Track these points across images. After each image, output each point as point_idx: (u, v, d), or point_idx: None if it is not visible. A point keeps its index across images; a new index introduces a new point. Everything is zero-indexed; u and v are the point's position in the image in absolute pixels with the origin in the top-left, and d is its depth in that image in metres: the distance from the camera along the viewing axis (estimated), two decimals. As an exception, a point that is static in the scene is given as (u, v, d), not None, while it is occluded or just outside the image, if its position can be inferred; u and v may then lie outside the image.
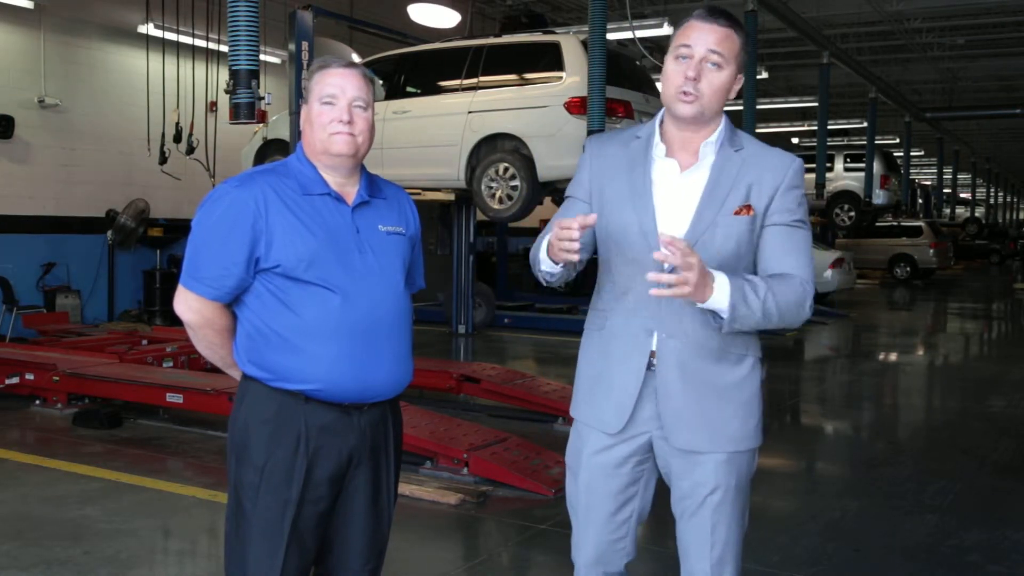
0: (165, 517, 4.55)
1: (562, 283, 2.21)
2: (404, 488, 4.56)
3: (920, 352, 11.88)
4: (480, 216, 10.58)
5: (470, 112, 8.35)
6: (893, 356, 11.42)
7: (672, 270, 1.91)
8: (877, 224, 21.99)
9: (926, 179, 33.92)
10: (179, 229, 11.12)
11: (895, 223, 22.72)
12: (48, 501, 4.70)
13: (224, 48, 7.68)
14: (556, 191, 8.36)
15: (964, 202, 40.88)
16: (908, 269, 22.71)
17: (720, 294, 1.94)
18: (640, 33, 11.89)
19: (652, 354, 2.10)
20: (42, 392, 6.85)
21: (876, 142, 18.79)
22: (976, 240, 33.95)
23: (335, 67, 2.21)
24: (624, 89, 8.22)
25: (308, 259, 2.13)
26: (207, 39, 10.48)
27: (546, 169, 7.93)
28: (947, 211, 32.09)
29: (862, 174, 17.89)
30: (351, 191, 2.25)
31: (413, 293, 2.37)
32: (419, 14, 12.38)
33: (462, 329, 11.69)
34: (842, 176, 18.19)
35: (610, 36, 8.34)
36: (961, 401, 8.27)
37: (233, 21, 5.63)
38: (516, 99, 8.30)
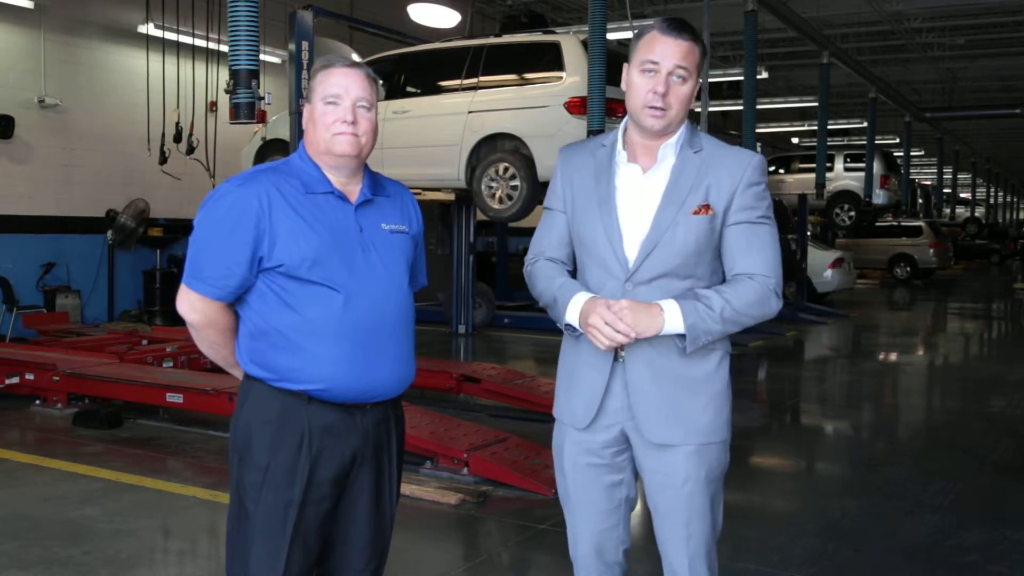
0: (165, 517, 4.55)
1: None
2: (404, 488, 4.56)
3: (920, 352, 11.88)
4: (480, 216, 10.57)
5: (470, 112, 8.34)
6: (893, 356, 11.42)
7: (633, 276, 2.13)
8: (877, 224, 22.00)
9: (926, 179, 33.90)
10: (179, 229, 11.13)
11: (895, 223, 22.73)
12: (48, 501, 4.70)
13: (224, 48, 7.68)
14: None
15: (964, 202, 40.85)
16: (908, 269, 22.71)
17: (673, 320, 2.05)
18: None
19: (620, 348, 2.16)
20: (42, 392, 6.85)
21: (876, 142, 18.79)
22: (976, 240, 33.95)
23: (339, 67, 2.20)
24: (624, 89, 8.20)
25: (311, 258, 2.12)
26: (207, 39, 10.48)
27: (546, 169, 7.93)
28: (947, 211, 32.07)
29: (862, 174, 17.88)
30: (354, 189, 2.25)
31: (416, 291, 2.37)
32: (419, 14, 12.38)
33: (462, 329, 11.69)
34: (842, 176, 18.19)
35: (610, 36, 8.34)
36: (961, 401, 8.27)
37: (233, 21, 5.63)
38: (516, 99, 8.29)
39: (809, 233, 16.77)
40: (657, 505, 2.24)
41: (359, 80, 2.19)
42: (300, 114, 7.01)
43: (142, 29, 10.99)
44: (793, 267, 14.98)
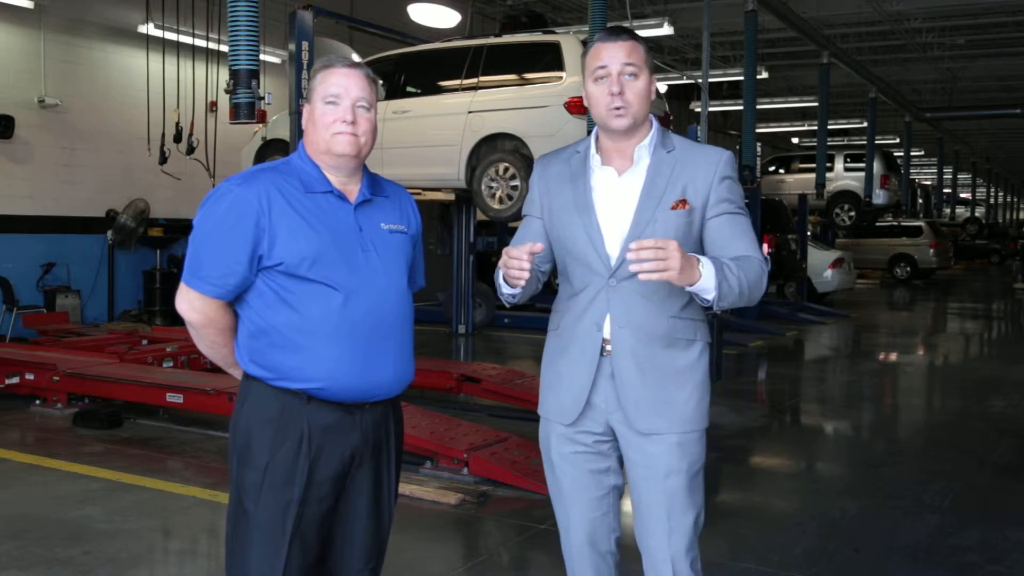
0: (165, 517, 4.56)
1: (528, 298, 2.35)
2: (404, 488, 4.56)
3: (920, 352, 11.88)
4: (480, 216, 10.57)
5: (470, 112, 8.34)
6: (893, 356, 11.42)
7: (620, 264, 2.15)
8: (877, 224, 22.00)
9: (926, 179, 33.92)
10: (179, 229, 11.13)
11: (895, 223, 22.72)
12: (48, 501, 4.70)
13: (224, 48, 7.68)
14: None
15: (964, 202, 40.84)
16: (908, 269, 22.71)
17: (708, 276, 2.07)
18: (640, 33, 11.89)
19: (606, 342, 2.25)
20: (42, 392, 6.85)
21: (876, 142, 18.80)
22: (976, 240, 33.92)
23: (339, 67, 2.21)
24: (624, 89, 8.20)
25: (311, 257, 2.12)
26: (207, 39, 10.48)
27: (546, 169, 7.91)
28: (947, 211, 32.09)
29: (862, 174, 17.89)
30: (353, 189, 2.25)
31: (413, 292, 2.38)
32: (419, 14, 12.38)
33: (462, 329, 11.69)
34: (842, 176, 18.20)
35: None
36: (961, 401, 8.27)
37: (233, 21, 5.63)
38: (516, 99, 8.29)
39: (809, 233, 16.76)
40: (639, 498, 2.30)
41: (359, 80, 2.20)
42: (300, 114, 7.01)
43: (142, 29, 10.99)
44: (793, 267, 14.99)
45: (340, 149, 2.18)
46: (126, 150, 10.99)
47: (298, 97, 7.15)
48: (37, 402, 6.86)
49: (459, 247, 11.59)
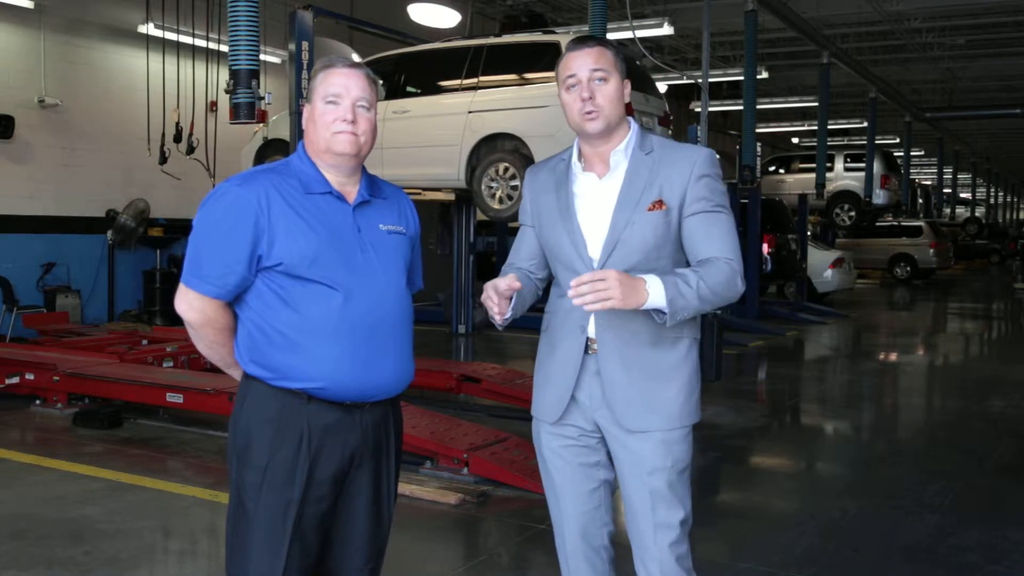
0: (165, 517, 4.56)
1: (525, 310, 2.42)
2: (404, 488, 4.56)
3: (920, 352, 11.88)
4: (480, 216, 10.56)
5: (470, 112, 8.34)
6: (893, 356, 11.42)
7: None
8: (877, 224, 22.00)
9: (926, 179, 33.91)
10: (179, 229, 11.12)
11: (895, 223, 22.72)
12: (48, 501, 4.70)
13: (224, 48, 7.68)
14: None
15: (964, 202, 40.87)
16: (908, 269, 22.71)
17: (656, 295, 2.12)
18: (640, 33, 11.89)
19: (591, 340, 2.30)
20: (42, 392, 6.85)
21: (876, 142, 18.82)
22: (976, 240, 33.93)
23: (340, 67, 2.22)
24: (624, 89, 8.21)
25: (310, 257, 2.13)
26: (207, 39, 10.47)
27: (546, 169, 7.91)
28: (947, 211, 32.10)
29: (862, 174, 17.90)
30: (352, 190, 2.26)
31: (412, 293, 2.38)
32: (419, 14, 12.38)
33: (462, 329, 11.69)
34: (842, 176, 18.20)
35: (610, 36, 8.34)
36: (961, 401, 8.27)
37: (233, 21, 5.64)
38: (516, 99, 8.28)
39: (809, 233, 16.76)
40: (627, 494, 2.33)
41: (359, 80, 2.20)
42: (300, 114, 7.01)
43: (142, 29, 10.99)
44: (793, 267, 14.99)
45: (340, 148, 2.19)
46: (126, 150, 10.99)
47: (298, 97, 7.16)
48: (37, 402, 6.87)
49: (459, 247, 11.59)
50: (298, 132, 6.81)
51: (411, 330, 2.32)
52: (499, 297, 2.21)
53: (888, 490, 5.19)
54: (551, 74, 8.21)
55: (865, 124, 20.37)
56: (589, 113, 2.26)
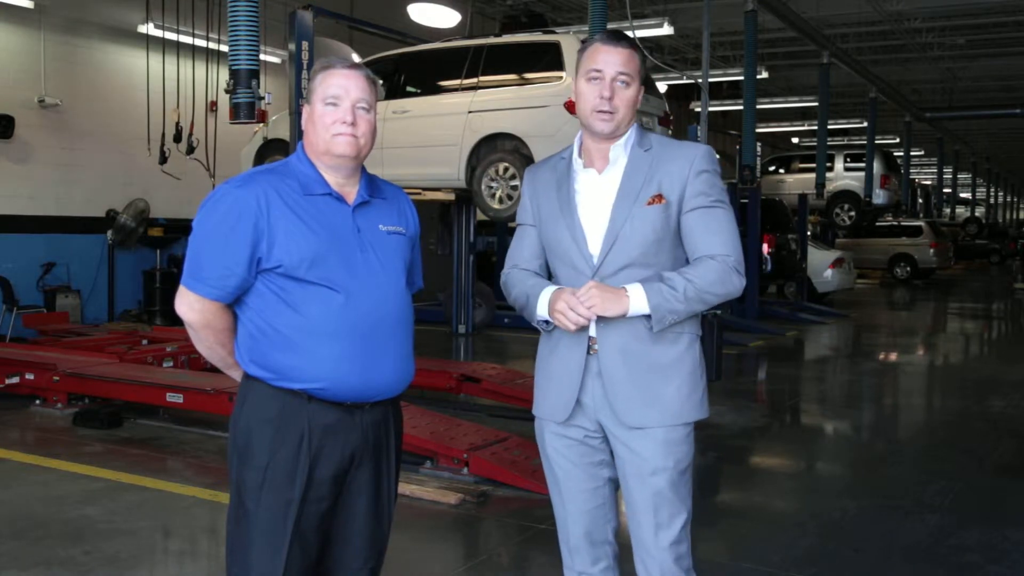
0: (165, 517, 4.56)
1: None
2: (404, 488, 4.56)
3: (920, 352, 11.88)
4: (480, 216, 10.56)
5: (470, 112, 8.33)
6: (893, 356, 11.42)
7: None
8: (877, 224, 22.00)
9: (926, 179, 33.91)
10: (179, 229, 11.12)
11: (895, 223, 22.73)
12: (48, 501, 4.70)
13: (224, 48, 7.68)
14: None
15: (964, 202, 40.87)
16: (908, 269, 22.71)
17: (638, 301, 2.18)
18: (640, 33, 11.89)
19: (592, 340, 2.29)
20: (42, 392, 6.85)
21: (876, 142, 18.81)
22: (976, 240, 33.94)
23: (339, 68, 2.21)
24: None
25: (310, 259, 2.13)
26: (207, 39, 10.47)
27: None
28: (947, 211, 32.09)
29: (862, 174, 17.90)
30: (351, 191, 2.26)
31: (412, 293, 2.38)
32: (419, 14, 12.38)
33: (462, 329, 11.69)
34: (842, 176, 18.20)
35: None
36: (961, 401, 8.27)
37: (233, 21, 5.63)
38: (516, 99, 8.28)
39: (809, 233, 16.76)
40: (628, 494, 2.33)
41: (359, 81, 2.20)
42: (300, 114, 7.00)
43: (142, 29, 10.99)
44: (793, 267, 14.99)
45: (340, 150, 2.19)
46: (126, 150, 10.99)
47: (298, 97, 7.15)
48: (37, 402, 6.87)
49: (459, 247, 11.59)
50: (298, 132, 6.81)
51: (411, 330, 2.32)
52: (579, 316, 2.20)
53: (888, 490, 5.19)
54: (551, 74, 8.28)
55: (865, 124, 20.37)
56: (603, 112, 2.26)
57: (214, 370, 5.27)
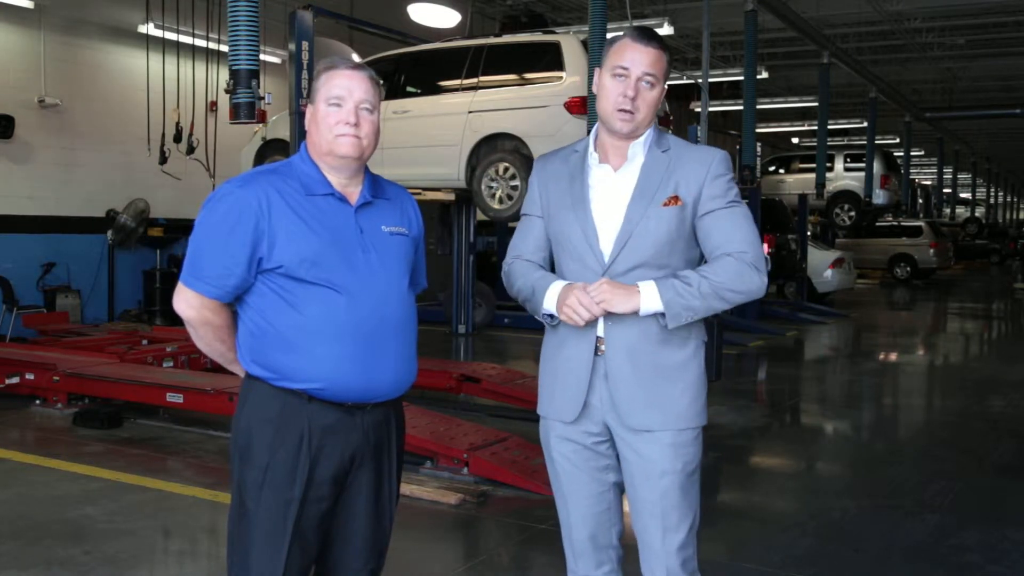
0: (165, 517, 4.56)
1: None
2: (404, 488, 4.56)
3: (920, 352, 11.88)
4: (480, 216, 10.56)
5: (470, 112, 8.34)
6: (893, 356, 11.42)
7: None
8: (877, 224, 22.00)
9: (926, 179, 33.91)
10: (179, 229, 11.13)
11: (895, 223, 22.72)
12: (48, 501, 4.70)
13: (224, 48, 7.68)
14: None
15: (964, 202, 40.85)
16: (908, 269, 22.71)
17: (650, 298, 2.16)
18: (640, 33, 11.86)
19: (600, 340, 2.26)
20: (42, 392, 6.85)
21: (876, 142, 18.81)
22: (976, 240, 33.93)
23: (343, 68, 2.20)
24: (624, 89, 8.20)
25: (311, 260, 2.12)
26: (207, 39, 10.47)
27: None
28: (947, 211, 32.09)
29: (862, 174, 17.89)
30: (354, 191, 2.25)
31: (416, 293, 2.38)
32: (419, 14, 12.38)
33: (462, 329, 11.69)
34: (842, 176, 18.20)
35: (610, 36, 8.33)
36: (961, 401, 8.27)
37: (233, 21, 5.63)
38: (516, 99, 8.29)
39: (809, 233, 16.76)
40: (635, 498, 2.30)
41: (362, 82, 2.20)
42: (300, 114, 6.99)
43: (142, 29, 10.99)
44: (793, 267, 14.99)
45: (343, 151, 2.18)
46: (126, 150, 10.99)
47: (298, 97, 7.15)
48: (37, 402, 6.86)
49: (459, 247, 11.59)
50: (300, 133, 6.81)
51: (414, 332, 2.31)
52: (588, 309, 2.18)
53: (888, 490, 5.20)
54: (551, 74, 8.27)
55: (865, 124, 20.36)
56: (625, 112, 2.24)
57: (214, 370, 5.24)
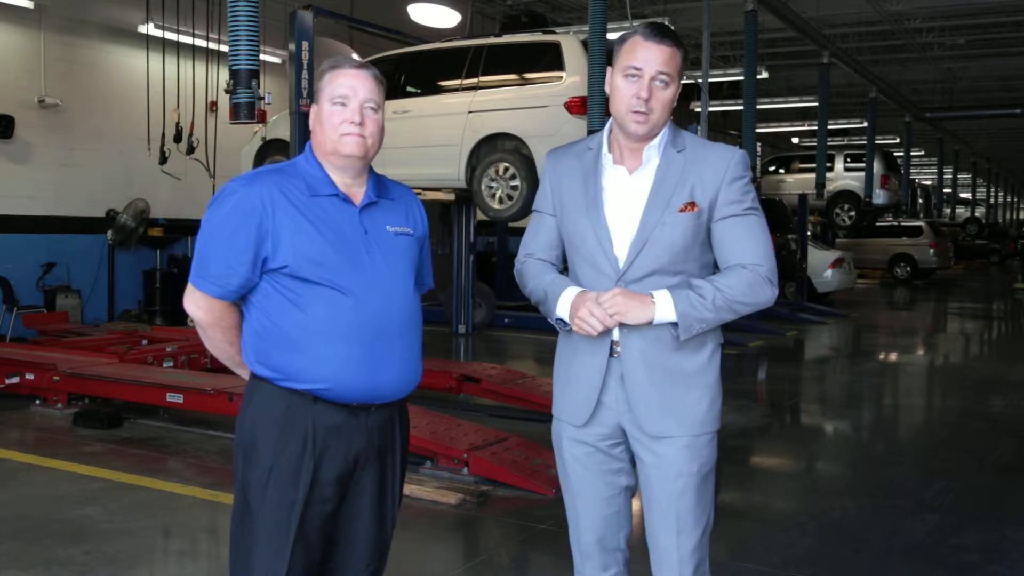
0: (165, 517, 4.56)
1: None
2: (404, 488, 4.55)
3: (920, 352, 11.88)
4: (480, 216, 10.56)
5: (470, 112, 8.34)
6: (893, 356, 11.42)
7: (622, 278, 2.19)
8: (877, 224, 22.01)
9: (926, 179, 33.91)
10: (179, 229, 11.13)
11: (895, 223, 22.72)
12: (48, 501, 4.70)
13: (224, 48, 7.67)
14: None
15: (964, 202, 40.84)
16: (908, 269, 22.71)
17: (665, 308, 2.13)
18: (640, 33, 11.85)
19: (615, 343, 2.23)
20: (42, 392, 6.85)
21: (876, 142, 18.79)
22: (976, 240, 33.93)
23: (347, 68, 2.20)
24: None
25: (315, 260, 2.12)
26: (207, 39, 10.47)
27: (546, 169, 7.91)
28: (947, 211, 32.08)
29: (862, 174, 17.89)
30: (358, 191, 2.25)
31: (422, 293, 2.37)
32: (419, 14, 12.37)
33: (462, 329, 11.69)
34: (842, 176, 18.19)
35: (610, 36, 8.33)
36: (961, 401, 8.27)
37: (233, 21, 5.62)
38: (516, 99, 8.29)
39: (809, 233, 16.76)
40: (649, 499, 2.28)
41: (367, 81, 2.19)
42: (300, 114, 6.99)
43: (142, 29, 10.98)
44: (793, 267, 14.99)
45: (348, 150, 2.18)
46: (126, 150, 10.98)
47: (298, 97, 7.15)
48: (37, 402, 6.86)
49: (459, 247, 11.59)
50: (300, 133, 6.81)
51: (419, 332, 2.30)
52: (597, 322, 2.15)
53: (888, 490, 5.20)
54: (551, 74, 8.28)
55: (865, 124, 20.34)
56: (638, 113, 2.17)
57: (214, 370, 5.24)
